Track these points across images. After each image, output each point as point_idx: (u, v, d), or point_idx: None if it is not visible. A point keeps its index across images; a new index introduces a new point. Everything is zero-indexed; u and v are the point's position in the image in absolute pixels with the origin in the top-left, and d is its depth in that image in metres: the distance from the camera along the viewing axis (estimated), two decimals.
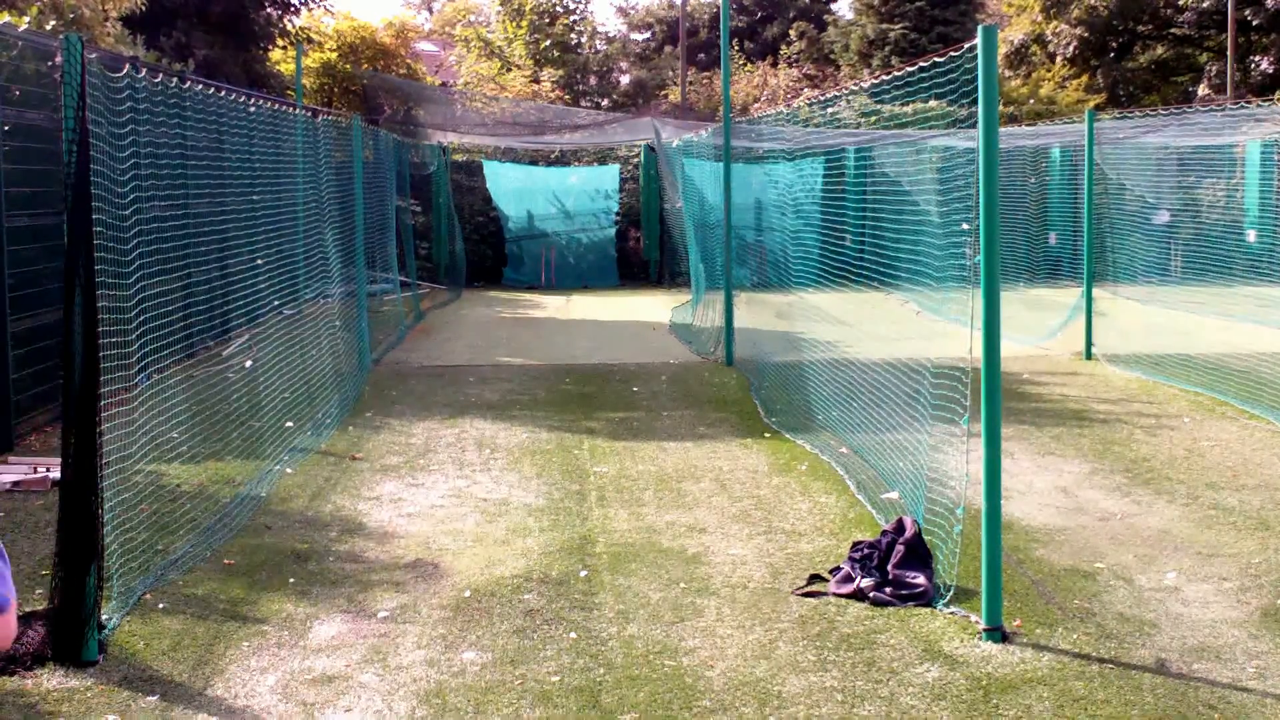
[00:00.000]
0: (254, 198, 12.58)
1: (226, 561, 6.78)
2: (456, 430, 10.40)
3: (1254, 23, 34.24)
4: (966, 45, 6.01)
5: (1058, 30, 36.84)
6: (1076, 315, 14.83)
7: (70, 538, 5.38)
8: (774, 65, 40.25)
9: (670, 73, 41.75)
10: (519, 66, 35.86)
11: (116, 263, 6.50)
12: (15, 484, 8.18)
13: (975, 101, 5.64)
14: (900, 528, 6.49)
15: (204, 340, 11.52)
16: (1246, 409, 11.08)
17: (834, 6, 48.35)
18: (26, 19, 10.54)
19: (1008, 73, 36.45)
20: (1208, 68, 37.50)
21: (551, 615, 5.99)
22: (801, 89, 35.66)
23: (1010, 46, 37.70)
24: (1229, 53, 33.09)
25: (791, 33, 43.27)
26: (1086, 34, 36.49)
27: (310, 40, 26.07)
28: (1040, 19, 37.34)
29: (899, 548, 6.33)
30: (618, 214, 25.62)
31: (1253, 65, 35.69)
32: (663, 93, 40.67)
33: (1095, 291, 14.55)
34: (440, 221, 24.68)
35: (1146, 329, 15.50)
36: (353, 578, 6.55)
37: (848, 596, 6.19)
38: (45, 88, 9.75)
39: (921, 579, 6.18)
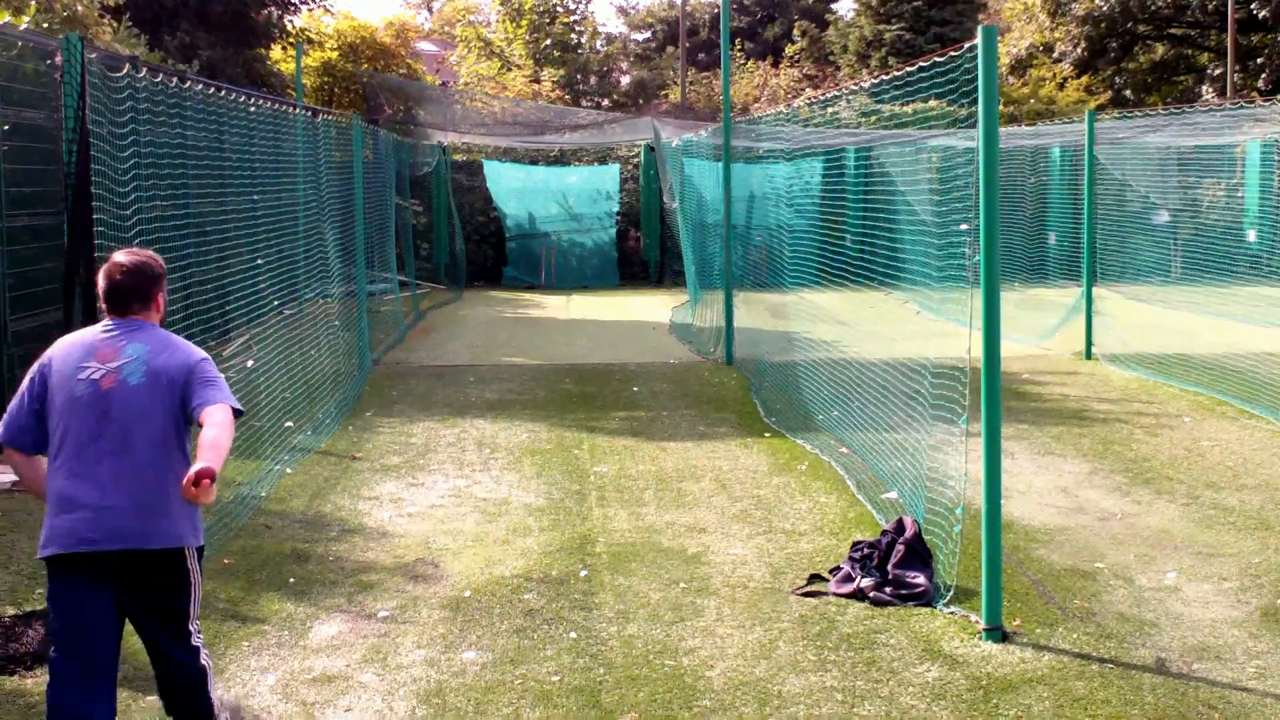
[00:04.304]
0: (254, 197, 12.56)
1: (226, 561, 6.78)
2: (456, 430, 10.41)
3: (1260, 15, 34.00)
4: (966, 45, 6.01)
5: (1069, 33, 36.73)
6: (1076, 315, 14.83)
7: None
8: (774, 65, 40.29)
9: (670, 73, 41.79)
10: (519, 66, 35.89)
11: None
12: (15, 484, 8.17)
13: (975, 101, 5.64)
14: (900, 527, 6.49)
15: (204, 340, 11.50)
16: (1246, 409, 11.08)
17: (835, 6, 48.45)
18: (26, 19, 10.54)
19: (1011, 80, 36.44)
20: (1209, 68, 37.50)
21: (551, 615, 5.99)
22: (802, 89, 35.69)
23: (1013, 58, 37.65)
24: (1229, 53, 33.09)
25: (795, 31, 43.35)
26: (1091, 33, 36.44)
27: (310, 40, 26.09)
28: (1046, 21, 37.28)
29: (899, 547, 6.33)
30: (618, 214, 25.61)
31: (1256, 66, 35.64)
32: (663, 93, 40.70)
33: (1095, 291, 14.55)
34: (440, 221, 24.68)
35: (1146, 329, 15.49)
36: (353, 578, 6.55)
37: (848, 596, 6.19)
38: (45, 87, 9.74)
39: (921, 579, 6.18)
